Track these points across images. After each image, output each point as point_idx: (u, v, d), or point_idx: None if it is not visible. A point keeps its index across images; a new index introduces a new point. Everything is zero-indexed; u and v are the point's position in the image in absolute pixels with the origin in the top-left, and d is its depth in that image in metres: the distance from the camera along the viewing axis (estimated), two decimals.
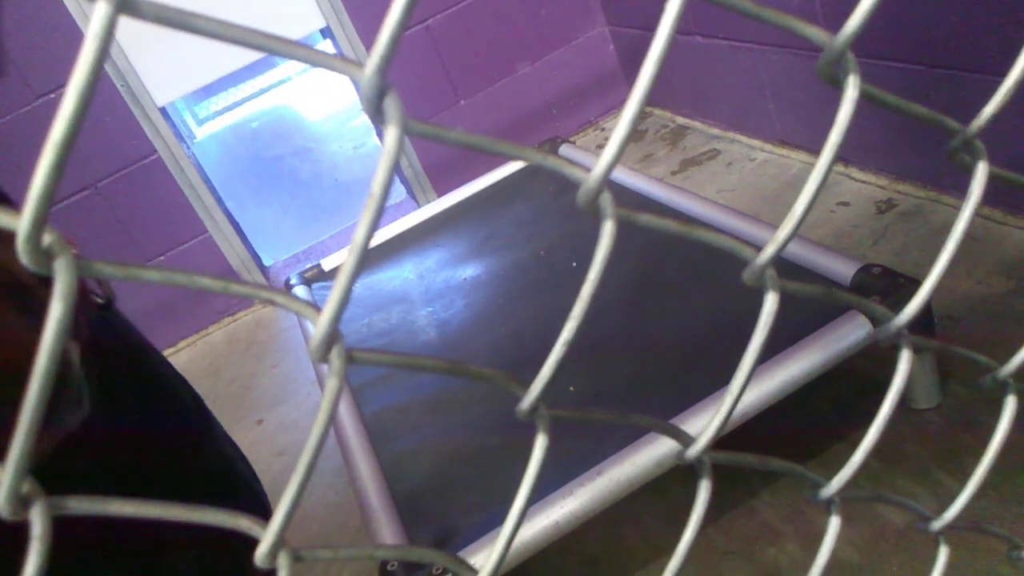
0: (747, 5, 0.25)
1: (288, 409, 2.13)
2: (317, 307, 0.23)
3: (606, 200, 0.24)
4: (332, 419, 0.23)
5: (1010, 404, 0.34)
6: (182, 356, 2.70)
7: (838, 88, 0.26)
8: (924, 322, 1.25)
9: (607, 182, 0.25)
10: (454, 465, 1.38)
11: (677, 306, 1.55)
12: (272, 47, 0.21)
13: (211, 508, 0.24)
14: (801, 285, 0.28)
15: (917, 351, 0.30)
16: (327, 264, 2.34)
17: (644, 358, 1.46)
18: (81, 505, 0.23)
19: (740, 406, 1.17)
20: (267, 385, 2.30)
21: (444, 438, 1.47)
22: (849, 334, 1.21)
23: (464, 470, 1.35)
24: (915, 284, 1.25)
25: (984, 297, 1.46)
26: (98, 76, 0.18)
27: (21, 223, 0.19)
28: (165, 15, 0.19)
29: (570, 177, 0.24)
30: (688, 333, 1.45)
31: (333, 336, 0.22)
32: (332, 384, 0.23)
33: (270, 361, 2.42)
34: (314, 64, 0.22)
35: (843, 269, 1.37)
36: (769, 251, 0.26)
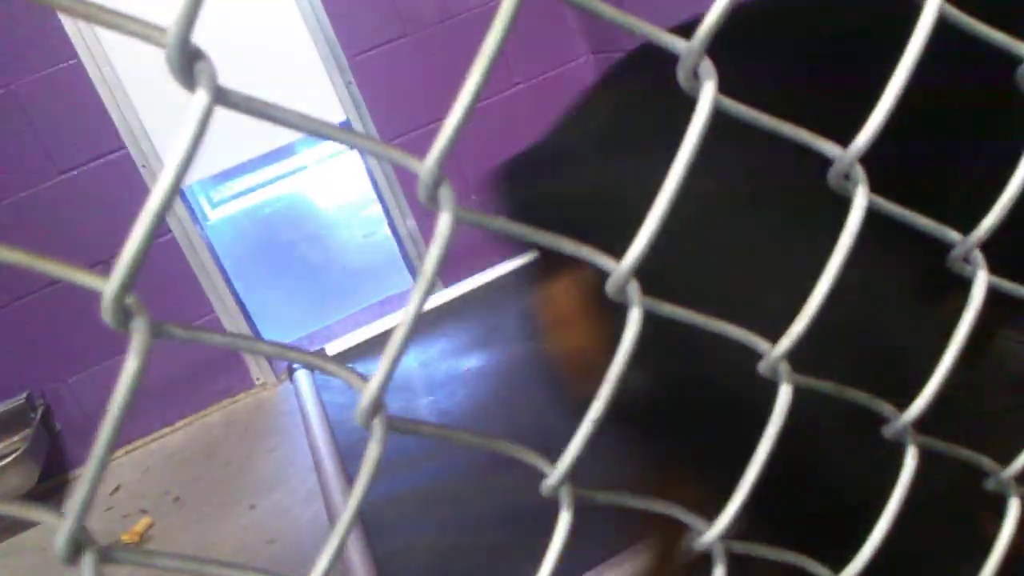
0: (766, 120, 0.28)
1: (281, 495, 2.09)
2: (364, 377, 0.24)
3: (633, 288, 0.26)
4: (371, 484, 0.25)
5: (1013, 507, 0.35)
6: (179, 436, 2.68)
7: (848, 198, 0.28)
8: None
9: (634, 271, 0.27)
10: (451, 561, 1.35)
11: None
12: (343, 138, 0.24)
13: None
14: (813, 380, 0.29)
15: (922, 449, 0.31)
16: (331, 349, 2.35)
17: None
18: None
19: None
20: (262, 469, 2.27)
21: (441, 532, 1.44)
22: None
23: (461, 566, 1.33)
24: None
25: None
26: (193, 157, 0.21)
27: (109, 285, 0.21)
28: (253, 107, 0.22)
29: (603, 268, 0.26)
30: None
31: (378, 404, 0.24)
32: (374, 450, 0.24)
33: (267, 445, 2.40)
34: (381, 156, 0.24)
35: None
36: (784, 345, 0.28)
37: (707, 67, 0.27)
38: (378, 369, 0.23)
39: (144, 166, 2.53)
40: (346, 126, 2.80)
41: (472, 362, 2.11)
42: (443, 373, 2.11)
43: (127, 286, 0.21)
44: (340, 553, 0.24)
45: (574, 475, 0.27)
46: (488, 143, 2.89)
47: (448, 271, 2.93)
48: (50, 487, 2.53)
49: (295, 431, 2.40)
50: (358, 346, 2.37)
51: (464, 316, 2.40)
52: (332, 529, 0.24)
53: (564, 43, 2.92)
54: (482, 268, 2.56)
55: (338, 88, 2.69)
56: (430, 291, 0.23)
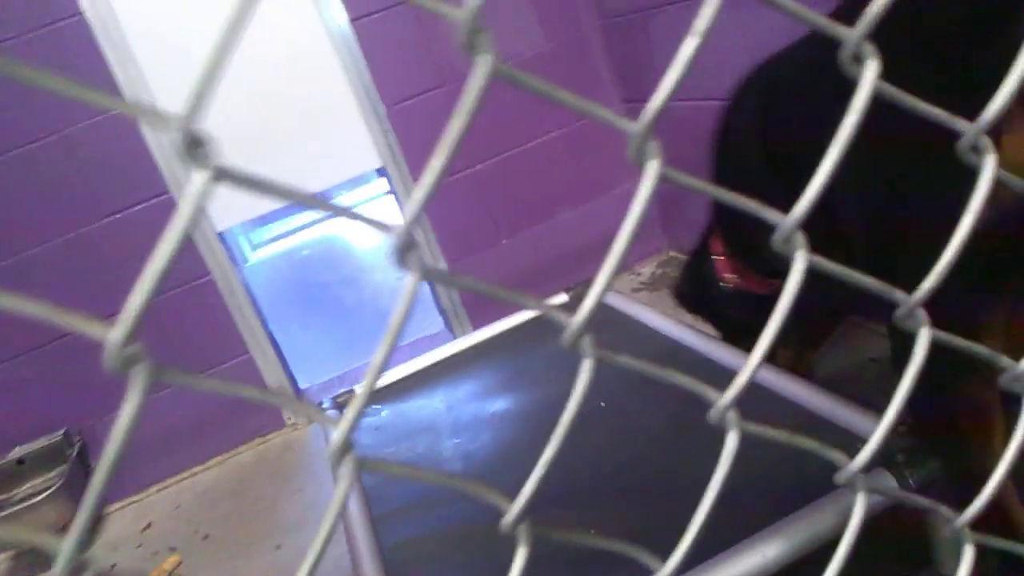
0: (727, 194, 0.30)
1: (308, 535, 2.12)
2: (335, 420, 0.27)
3: (586, 342, 0.29)
4: (337, 524, 0.27)
5: (967, 554, 0.36)
6: (211, 474, 2.73)
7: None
8: (935, 479, 1.23)
9: (589, 326, 0.29)
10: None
11: (712, 454, 1.55)
12: (333, 210, 0.27)
13: None
14: (763, 428, 0.32)
15: (873, 493, 0.33)
16: (360, 390, 2.39)
17: (673, 505, 1.44)
18: None
19: (759, 561, 1.15)
20: (289, 508, 2.30)
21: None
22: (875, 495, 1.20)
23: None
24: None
25: None
26: (195, 226, 0.24)
27: (114, 332, 0.24)
28: (255, 184, 0.25)
29: (556, 322, 0.29)
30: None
31: (347, 445, 0.26)
32: (341, 489, 0.27)
33: (295, 485, 2.43)
34: (360, 221, 0.28)
35: (869, 426, 1.37)
36: (729, 395, 0.30)
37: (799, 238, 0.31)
38: (344, 415, 0.26)
39: None
40: (382, 173, 2.89)
41: (498, 405, 2.13)
42: (469, 415, 2.13)
43: (130, 336, 0.24)
44: None
45: (531, 513, 0.29)
46: (521, 187, 2.95)
47: (476, 314, 2.97)
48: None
49: (323, 471, 2.43)
50: (388, 387, 2.41)
51: (491, 359, 2.42)
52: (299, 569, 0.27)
53: (595, 91, 2.98)
54: (510, 312, 2.59)
55: (375, 136, 2.77)
56: (392, 346, 0.26)
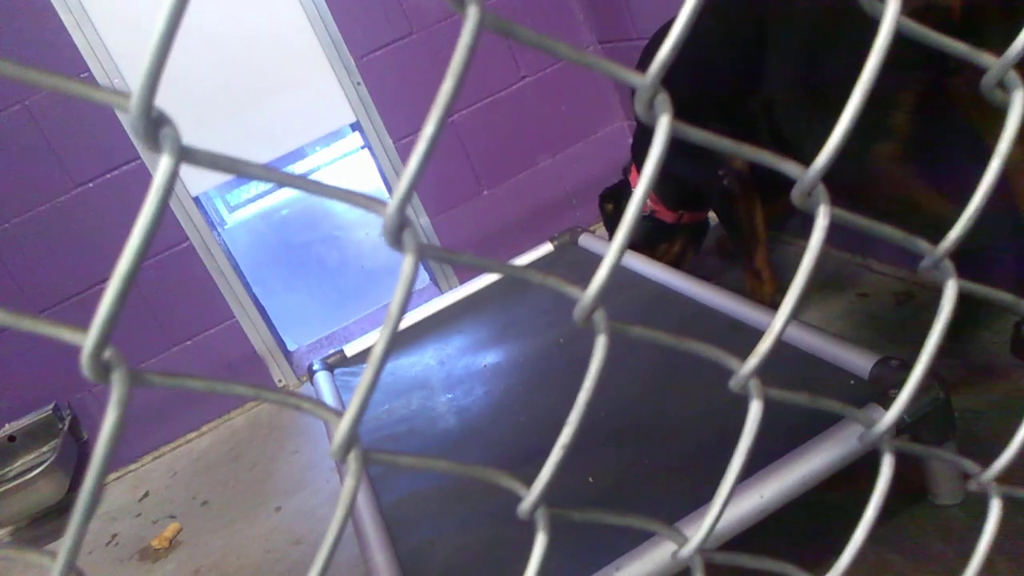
0: (726, 143, 0.28)
1: (306, 496, 2.13)
2: (339, 412, 0.25)
3: (600, 316, 0.27)
4: (348, 517, 0.26)
5: (995, 508, 0.35)
6: (205, 440, 2.72)
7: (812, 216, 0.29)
8: (944, 416, 1.24)
9: (601, 299, 0.27)
10: (472, 556, 1.37)
11: (704, 390, 1.56)
12: (305, 186, 0.25)
13: None
14: (785, 393, 0.30)
15: (900, 456, 0.32)
16: (349, 350, 2.37)
17: (667, 447, 1.45)
18: None
19: (756, 502, 1.16)
20: (287, 471, 2.30)
21: (464, 528, 1.46)
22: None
23: (482, 562, 1.34)
24: (931, 377, 1.25)
25: (1007, 391, 1.45)
26: (161, 218, 0.22)
27: (87, 341, 0.22)
28: (218, 162, 0.23)
29: (568, 295, 0.27)
30: (715, 418, 1.45)
31: (351, 440, 0.25)
32: (349, 484, 0.25)
33: (291, 447, 2.43)
34: (345, 202, 0.25)
35: (862, 362, 1.37)
36: (751, 363, 0.28)
37: (822, 191, 0.28)
38: (348, 407, 0.24)
39: None
40: (356, 127, 2.83)
41: (489, 358, 2.12)
42: (461, 370, 2.13)
43: (103, 343, 0.22)
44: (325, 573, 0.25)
45: (548, 497, 0.28)
46: (497, 138, 2.90)
47: (458, 269, 2.95)
48: None
49: (318, 432, 2.43)
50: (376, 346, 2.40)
51: (480, 312, 2.41)
52: (319, 551, 0.25)
53: (570, 35, 2.91)
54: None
55: (347, 89, 2.70)
56: (395, 332, 0.24)
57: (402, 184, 0.24)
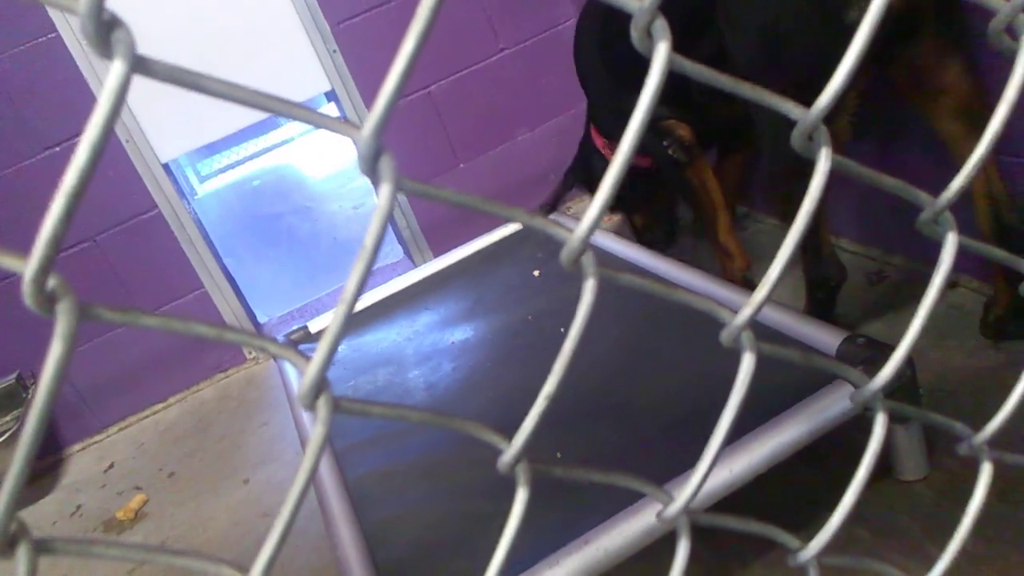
0: (724, 80, 0.27)
1: (275, 468, 2.10)
2: (306, 356, 0.23)
3: (588, 259, 0.25)
4: (317, 468, 0.24)
5: (986, 471, 0.34)
6: (172, 412, 2.68)
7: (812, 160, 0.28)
8: (910, 393, 1.25)
9: (589, 244, 0.26)
10: (439, 531, 1.36)
11: (669, 370, 1.56)
12: (275, 107, 0.23)
13: None
14: (777, 347, 0.29)
15: (894, 418, 0.31)
16: (314, 326, 2.34)
17: (635, 423, 1.45)
18: None
19: (729, 475, 1.16)
20: (255, 443, 2.27)
21: (429, 504, 1.44)
22: (836, 403, 1.21)
23: (449, 536, 1.33)
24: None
25: (975, 370, 1.47)
26: (111, 131, 0.19)
27: (28, 266, 0.20)
28: (176, 75, 0.21)
29: (556, 237, 0.25)
30: (680, 397, 1.45)
31: (321, 384, 0.23)
32: (319, 431, 0.23)
33: (260, 419, 2.40)
34: (315, 125, 0.23)
35: (828, 339, 1.38)
36: (746, 312, 0.27)
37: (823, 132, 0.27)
38: (317, 348, 0.22)
39: (128, 140, 2.49)
40: (332, 97, 2.77)
41: (458, 335, 2.10)
42: (429, 346, 2.11)
43: (46, 267, 0.20)
44: (285, 539, 0.23)
45: (530, 451, 0.26)
46: (477, 109, 2.86)
47: (436, 241, 2.92)
48: (46, 465, 2.53)
49: (287, 405, 2.41)
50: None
51: (449, 288, 2.39)
52: (277, 518, 0.23)
53: (549, 5, 2.87)
54: (470, 239, 2.55)
55: (322, 57, 2.65)
56: (371, 265, 0.22)
57: (378, 105, 0.22)
